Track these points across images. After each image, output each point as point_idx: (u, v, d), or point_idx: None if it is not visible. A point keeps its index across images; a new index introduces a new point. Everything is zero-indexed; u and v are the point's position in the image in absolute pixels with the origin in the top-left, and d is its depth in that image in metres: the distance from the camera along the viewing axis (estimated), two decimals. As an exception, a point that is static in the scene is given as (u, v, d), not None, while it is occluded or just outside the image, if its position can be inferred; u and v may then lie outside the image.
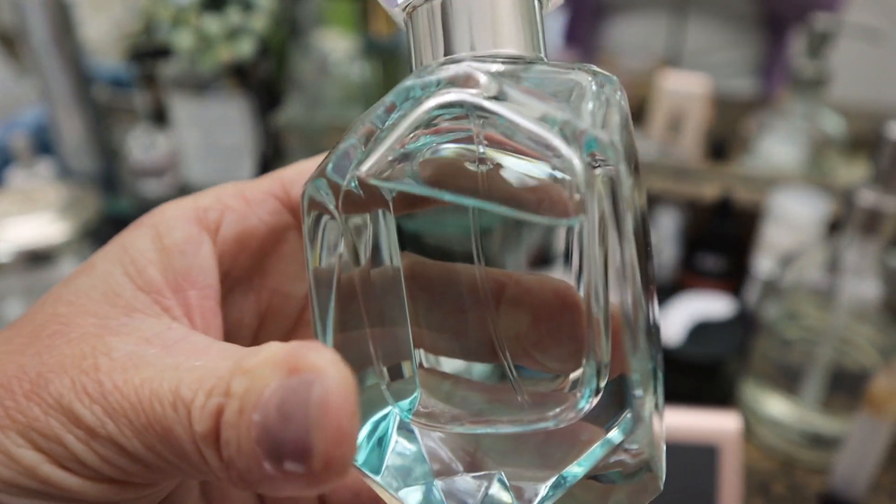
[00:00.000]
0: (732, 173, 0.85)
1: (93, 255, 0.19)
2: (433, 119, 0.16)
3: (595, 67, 0.18)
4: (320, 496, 0.22)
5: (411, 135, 0.16)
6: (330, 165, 0.17)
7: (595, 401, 0.16)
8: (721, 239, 0.76)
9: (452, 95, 0.16)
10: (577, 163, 0.15)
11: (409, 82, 0.16)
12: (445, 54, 0.18)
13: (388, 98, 0.17)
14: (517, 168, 0.16)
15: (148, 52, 0.80)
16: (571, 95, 0.17)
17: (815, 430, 0.65)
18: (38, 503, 0.15)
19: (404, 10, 0.18)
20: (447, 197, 0.17)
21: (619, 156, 0.15)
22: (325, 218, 0.17)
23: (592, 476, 0.17)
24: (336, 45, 0.89)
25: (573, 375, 0.17)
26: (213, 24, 0.68)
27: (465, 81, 0.16)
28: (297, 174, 0.21)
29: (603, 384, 0.16)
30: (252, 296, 0.21)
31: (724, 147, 0.94)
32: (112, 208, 0.85)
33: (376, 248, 0.17)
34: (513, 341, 0.18)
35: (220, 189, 0.20)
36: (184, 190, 0.81)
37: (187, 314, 0.18)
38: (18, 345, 0.17)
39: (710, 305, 0.72)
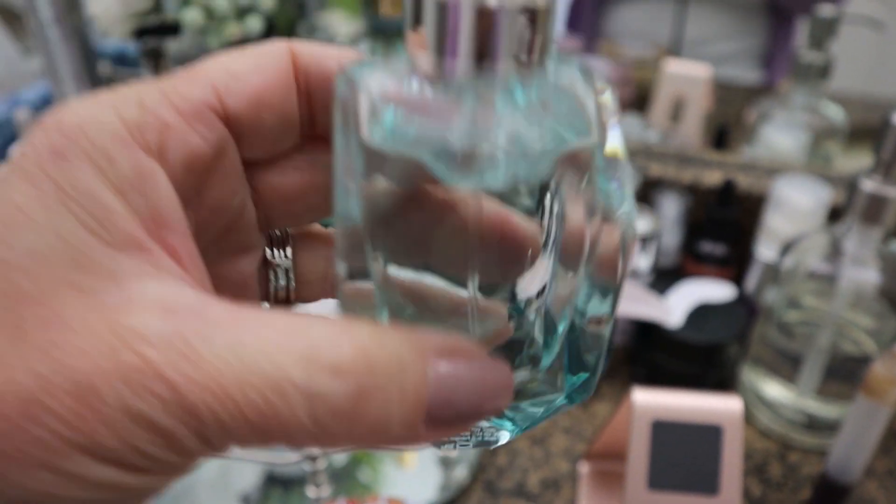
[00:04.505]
0: (734, 161, 0.86)
1: (9, 192, 0.14)
2: None
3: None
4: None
5: None
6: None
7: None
8: (722, 225, 0.77)
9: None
10: None
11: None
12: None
13: None
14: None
15: (154, 29, 0.80)
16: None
17: (811, 414, 0.66)
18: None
19: None
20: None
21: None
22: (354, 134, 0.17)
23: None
24: (340, 28, 0.89)
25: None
26: (222, 1, 0.68)
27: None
28: (228, 78, 0.18)
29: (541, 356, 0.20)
30: (190, 214, 0.18)
31: (726, 135, 0.95)
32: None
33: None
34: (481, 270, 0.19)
35: (140, 93, 0.17)
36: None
37: (177, 262, 0.16)
38: None
39: (711, 290, 0.73)
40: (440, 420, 0.15)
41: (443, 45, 0.16)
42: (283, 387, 0.14)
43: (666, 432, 0.49)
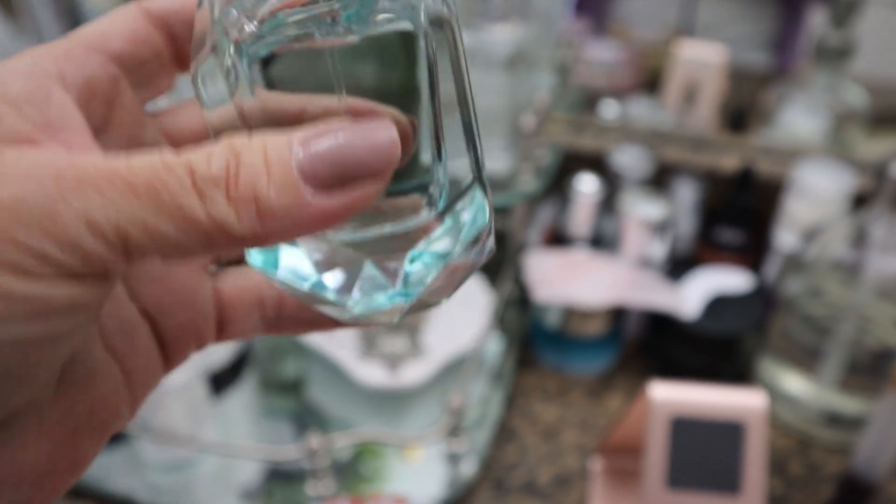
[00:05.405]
0: (752, 145, 0.83)
1: None
2: None
3: None
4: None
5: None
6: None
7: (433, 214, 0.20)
8: (740, 212, 0.74)
9: None
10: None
11: None
12: None
13: None
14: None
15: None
16: None
17: (833, 410, 0.64)
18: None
19: None
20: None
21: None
22: (210, 60, 0.19)
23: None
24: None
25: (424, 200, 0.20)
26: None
27: None
28: (104, 30, 0.21)
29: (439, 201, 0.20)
30: (112, 148, 0.21)
31: (742, 118, 0.92)
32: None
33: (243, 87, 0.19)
34: None
35: (48, 45, 0.20)
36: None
37: (68, 149, 0.18)
38: None
39: (727, 279, 0.70)
40: (324, 178, 0.17)
41: None
42: (168, 161, 0.16)
43: (685, 429, 0.47)
